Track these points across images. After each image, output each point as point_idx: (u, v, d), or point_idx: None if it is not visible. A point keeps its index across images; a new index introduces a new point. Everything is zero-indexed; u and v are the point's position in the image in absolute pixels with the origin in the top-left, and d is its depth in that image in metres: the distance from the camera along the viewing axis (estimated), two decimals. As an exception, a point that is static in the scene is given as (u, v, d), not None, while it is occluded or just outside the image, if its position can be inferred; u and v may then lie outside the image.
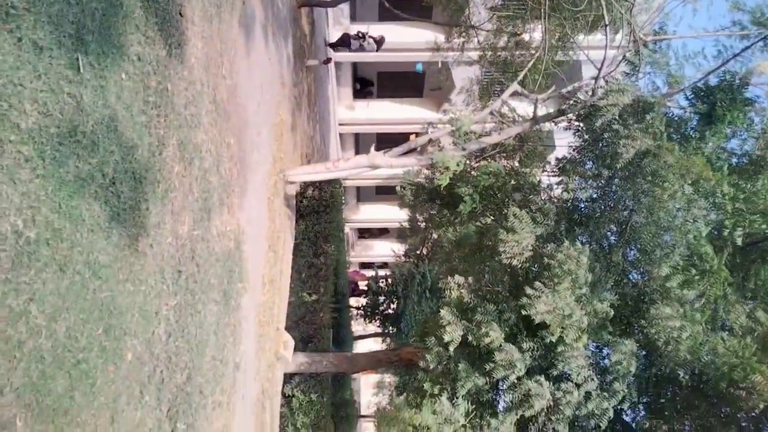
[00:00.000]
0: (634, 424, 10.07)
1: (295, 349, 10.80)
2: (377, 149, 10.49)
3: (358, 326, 21.59)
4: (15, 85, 3.14)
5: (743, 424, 8.92)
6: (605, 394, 7.58)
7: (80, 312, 3.71)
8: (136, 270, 4.53)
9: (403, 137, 19.64)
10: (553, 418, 7.56)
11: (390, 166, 10.67)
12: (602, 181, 8.23)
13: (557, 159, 9.23)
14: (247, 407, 7.89)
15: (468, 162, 10.22)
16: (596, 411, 7.46)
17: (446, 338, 7.75)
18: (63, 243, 3.52)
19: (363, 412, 23.34)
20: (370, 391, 23.59)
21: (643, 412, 10.04)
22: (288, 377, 11.44)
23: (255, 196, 8.39)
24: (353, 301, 19.82)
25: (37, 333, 3.27)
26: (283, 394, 11.25)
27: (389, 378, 19.23)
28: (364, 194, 24.90)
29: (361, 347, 23.39)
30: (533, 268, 8.18)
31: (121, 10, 4.23)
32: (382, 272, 19.72)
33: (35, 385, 3.25)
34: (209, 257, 6.24)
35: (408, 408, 12.63)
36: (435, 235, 17.21)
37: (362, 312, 17.64)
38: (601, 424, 7.62)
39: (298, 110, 12.47)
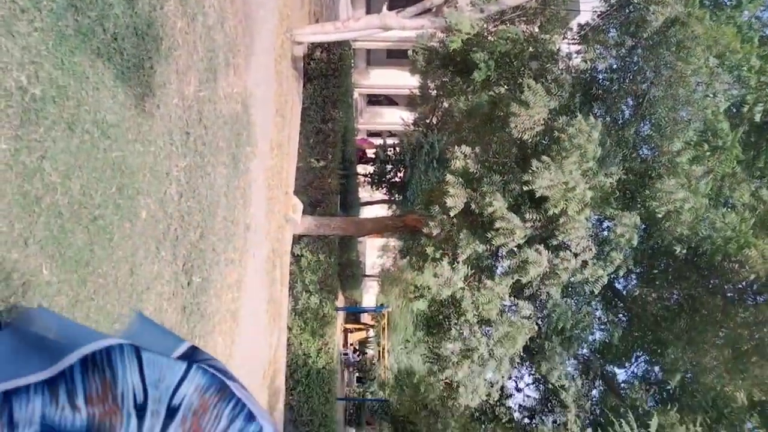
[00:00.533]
0: (624, 292, 10.64)
1: (304, 213, 11.13)
2: (390, 8, 9.93)
3: (365, 193, 22.01)
4: (1, -74, 2.92)
5: (729, 294, 9.39)
6: (602, 263, 7.89)
7: (92, 171, 3.78)
8: (145, 131, 4.54)
9: (417, -4, 18.44)
10: (547, 282, 7.96)
11: (403, 27, 10.17)
12: (624, 51, 7.85)
13: (579, 25, 8.73)
14: (258, 265, 8.33)
15: (485, 25, 9.69)
16: (591, 278, 7.82)
17: (449, 203, 7.92)
18: (69, 101, 3.49)
19: (368, 272, 24.63)
20: (375, 253, 24.69)
21: (634, 281, 10.55)
22: (297, 238, 11.92)
23: (262, 57, 8.12)
24: (360, 169, 19.98)
25: (52, 190, 3.37)
26: (293, 254, 11.80)
27: (394, 242, 19.99)
28: (374, 58, 23.98)
29: (368, 213, 24.05)
30: (543, 141, 8.12)
31: None
32: (390, 141, 19.63)
33: (56, 238, 3.42)
34: (217, 120, 6.21)
35: (410, 270, 13.29)
36: (446, 104, 16.86)
37: (369, 179, 17.86)
38: (594, 290, 8.03)
39: (305, -38, 11.63)
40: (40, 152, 3.26)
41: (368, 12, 20.29)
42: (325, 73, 12.82)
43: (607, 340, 9.93)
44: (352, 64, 17.21)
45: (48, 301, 3.35)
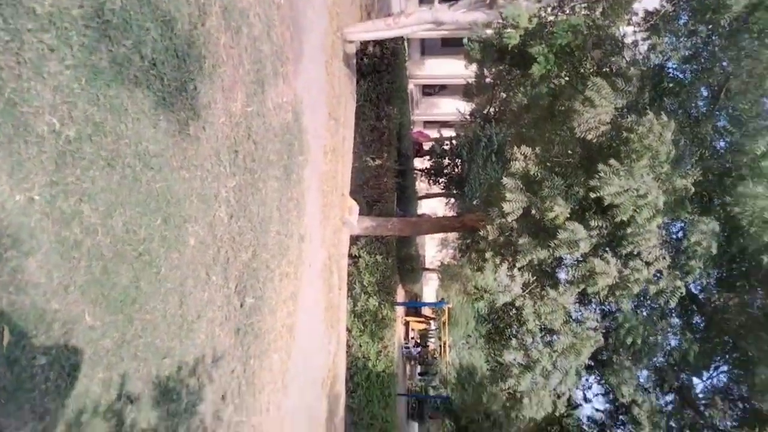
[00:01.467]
0: (701, 296, 9.74)
1: (360, 213, 10.89)
2: (442, 1, 9.47)
3: (422, 185, 21.60)
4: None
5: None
6: (678, 272, 7.21)
7: (136, 205, 3.63)
8: (190, 156, 4.37)
9: (472, -17, 17.71)
10: (617, 293, 7.37)
11: (455, 22, 9.68)
12: (698, 40, 7.06)
13: (646, 12, 7.93)
14: (314, 274, 8.16)
15: (543, 15, 9.04)
16: (666, 289, 7.16)
17: (506, 208, 7.48)
18: (107, 137, 3.33)
19: (427, 265, 24.29)
20: (434, 246, 24.28)
21: (712, 284, 9.63)
22: (354, 239, 11.72)
23: (312, 61, 7.87)
24: (417, 162, 19.58)
25: (93, 232, 3.22)
26: (350, 255, 11.61)
27: (453, 236, 19.52)
28: (429, 46, 23.37)
29: (426, 206, 23.64)
30: (610, 141, 7.46)
31: None
32: (446, 133, 19.08)
33: (99, 280, 3.27)
34: (266, 133, 6.00)
35: (470, 267, 12.90)
36: (503, 95, 16.14)
37: (427, 174, 17.44)
38: (670, 302, 7.35)
39: (355, -41, 11.26)
40: (78, 195, 3.10)
41: (421, 1, 19.70)
42: (379, 69, 12.48)
43: (683, 348, 9.15)
44: (406, 57, 16.74)
45: (92, 346, 3.23)
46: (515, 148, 7.96)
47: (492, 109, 16.75)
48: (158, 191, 3.89)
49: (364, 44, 12.18)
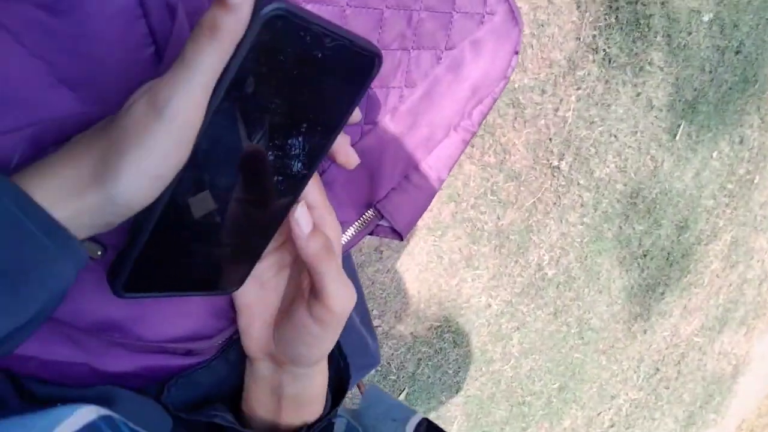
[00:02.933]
0: None
1: None
2: None
3: None
4: (610, 135, 2.95)
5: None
6: None
7: (548, 360, 3.45)
8: (618, 348, 3.96)
9: None
10: None
11: None
12: None
13: None
14: None
15: None
16: None
17: None
18: (568, 292, 3.27)
19: None
20: None
21: None
22: None
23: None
24: None
25: (506, 359, 3.17)
26: None
27: None
28: None
29: None
30: None
31: (752, 87, 3.50)
32: None
33: (482, 402, 3.19)
34: (695, 371, 5.04)
35: None
36: None
37: None
38: None
39: None
40: (518, 323, 3.12)
41: None
42: None
43: None
44: None
45: (439, 450, 3.14)
46: None
47: None
48: (573, 360, 3.63)
49: None
